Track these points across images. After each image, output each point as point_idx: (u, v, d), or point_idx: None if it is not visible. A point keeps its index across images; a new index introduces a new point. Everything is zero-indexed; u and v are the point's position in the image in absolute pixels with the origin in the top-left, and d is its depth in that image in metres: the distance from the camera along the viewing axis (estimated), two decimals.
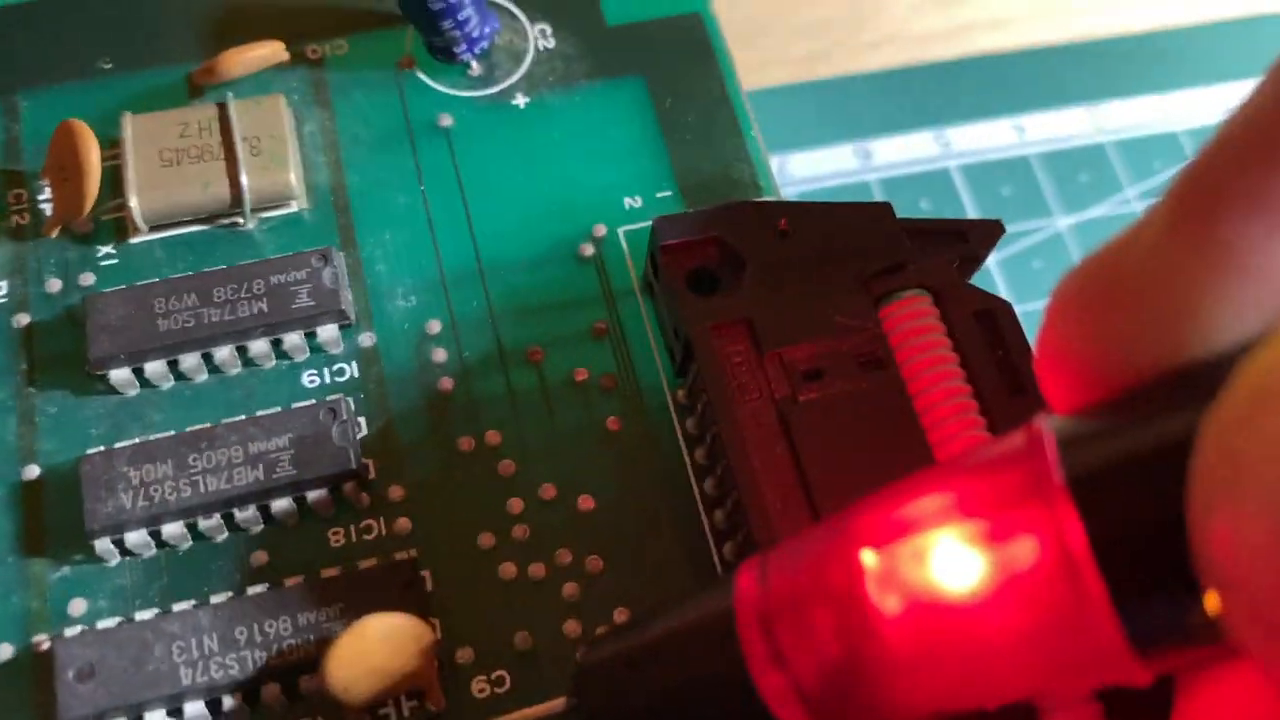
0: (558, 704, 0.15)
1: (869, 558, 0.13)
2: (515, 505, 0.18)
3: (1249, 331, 0.11)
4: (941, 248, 0.19)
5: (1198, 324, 0.11)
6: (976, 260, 0.19)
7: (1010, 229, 0.26)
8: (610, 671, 0.15)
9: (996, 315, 0.18)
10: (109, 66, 0.22)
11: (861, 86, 0.30)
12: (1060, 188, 0.28)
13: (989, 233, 0.19)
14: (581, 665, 0.15)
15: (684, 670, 0.14)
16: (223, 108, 0.20)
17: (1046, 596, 0.12)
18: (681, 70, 0.22)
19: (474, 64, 0.22)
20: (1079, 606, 0.11)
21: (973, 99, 0.30)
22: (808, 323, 0.18)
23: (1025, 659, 0.13)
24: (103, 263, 0.20)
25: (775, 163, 0.29)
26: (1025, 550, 0.12)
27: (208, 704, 0.17)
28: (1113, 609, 0.11)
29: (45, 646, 0.17)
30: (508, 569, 0.18)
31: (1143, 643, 0.11)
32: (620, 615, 0.18)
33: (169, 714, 0.16)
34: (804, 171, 0.28)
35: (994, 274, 0.28)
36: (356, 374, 0.19)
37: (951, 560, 0.12)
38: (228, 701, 0.17)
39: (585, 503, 0.18)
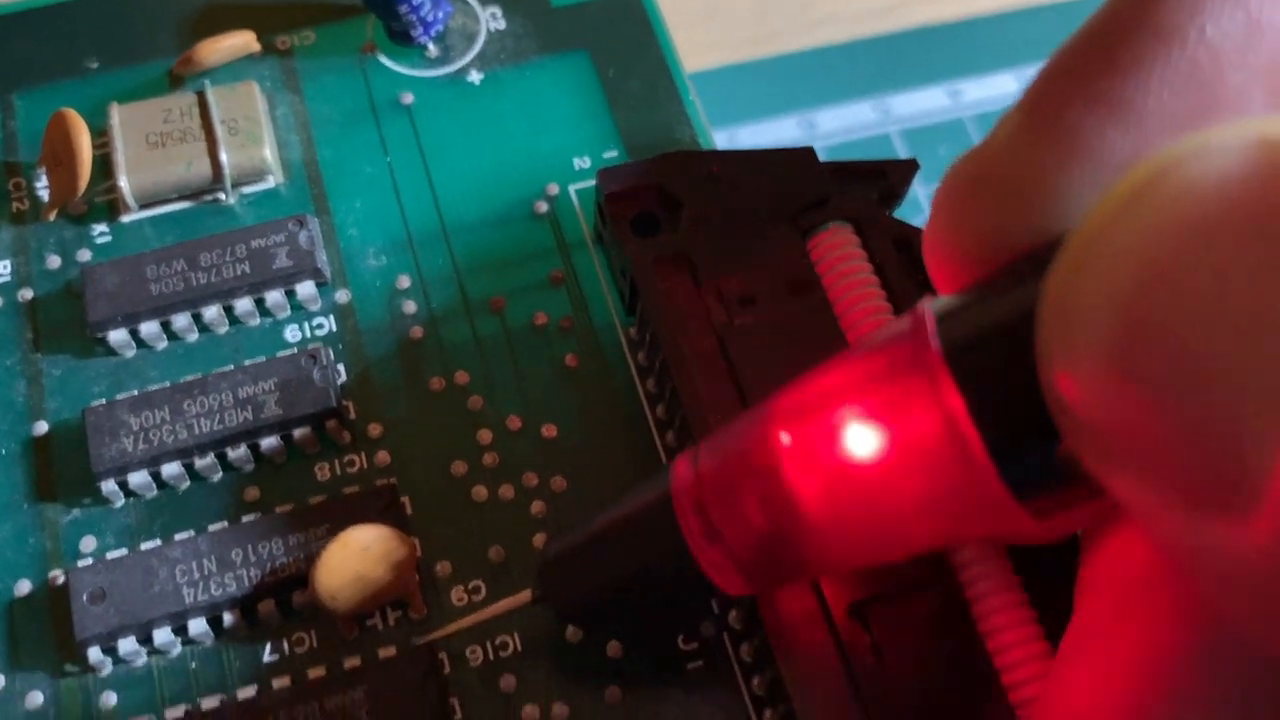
0: (524, 596, 0.17)
1: (785, 438, 0.15)
2: (485, 436, 0.20)
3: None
4: (863, 185, 0.21)
5: (1050, 205, 0.13)
6: (896, 195, 0.21)
7: None
8: (569, 561, 0.17)
9: (914, 242, 0.20)
10: (95, 66, 0.24)
11: (805, 62, 0.32)
12: None
13: (906, 170, 0.21)
14: (543, 558, 0.17)
15: (633, 552, 0.16)
16: (201, 95, 0.22)
17: (938, 458, 0.13)
18: (623, 43, 0.24)
19: (430, 46, 0.24)
20: (965, 464, 0.13)
21: (910, 69, 0.32)
22: (741, 255, 0.20)
23: (927, 516, 0.14)
24: (98, 240, 0.22)
25: (725, 135, 0.30)
26: (916, 418, 0.14)
27: (209, 620, 0.18)
28: (991, 463, 0.13)
29: (60, 580, 0.19)
30: (479, 492, 0.19)
31: (1022, 491, 0.13)
32: None
33: (174, 631, 0.18)
34: (751, 142, 0.30)
35: (926, 208, 0.29)
36: (334, 327, 0.21)
37: (855, 434, 0.14)
38: (227, 618, 0.18)
39: (549, 431, 0.20)
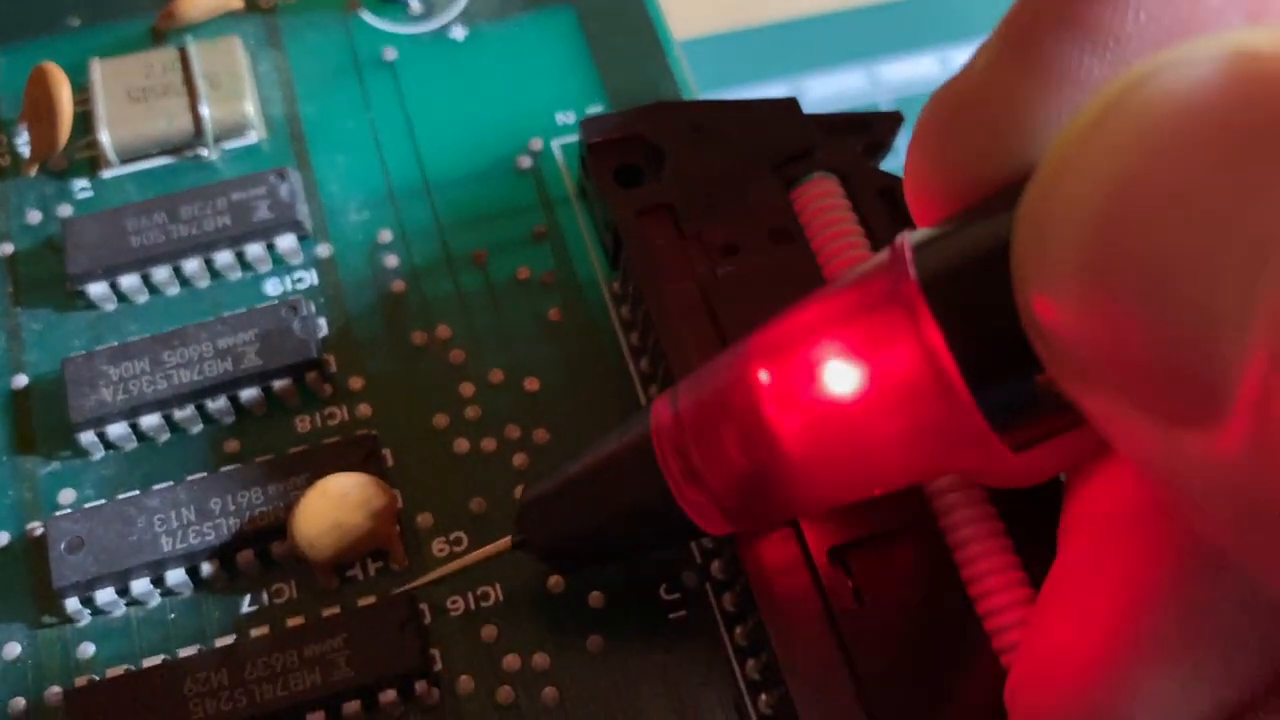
0: (504, 543, 0.17)
1: (764, 375, 0.15)
2: (467, 389, 0.20)
3: None
4: (847, 136, 0.20)
5: (1029, 132, 0.13)
6: (882, 146, 0.21)
7: None
8: (548, 504, 0.17)
9: (898, 193, 0.20)
10: (77, 23, 0.23)
11: (795, 29, 0.32)
12: None
13: (890, 122, 0.21)
14: (522, 502, 0.17)
15: (613, 494, 0.16)
16: (183, 50, 0.22)
17: (918, 391, 0.13)
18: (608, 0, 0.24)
19: (414, 2, 0.23)
20: (944, 396, 0.13)
21: (900, 36, 0.32)
22: (724, 206, 0.19)
23: (907, 450, 0.14)
24: (79, 195, 0.22)
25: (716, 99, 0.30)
26: (895, 350, 0.13)
27: (188, 570, 0.18)
28: (970, 394, 0.13)
29: (39, 532, 0.19)
30: (461, 444, 0.19)
31: (1001, 422, 0.13)
32: None
33: (153, 581, 0.18)
34: None
35: None
36: (316, 281, 0.21)
37: (834, 370, 0.14)
38: (206, 567, 0.18)
39: (531, 384, 0.20)
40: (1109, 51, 0.13)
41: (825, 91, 0.31)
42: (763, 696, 0.17)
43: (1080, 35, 0.13)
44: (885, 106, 0.31)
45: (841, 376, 0.14)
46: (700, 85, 0.28)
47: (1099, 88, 0.13)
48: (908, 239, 0.14)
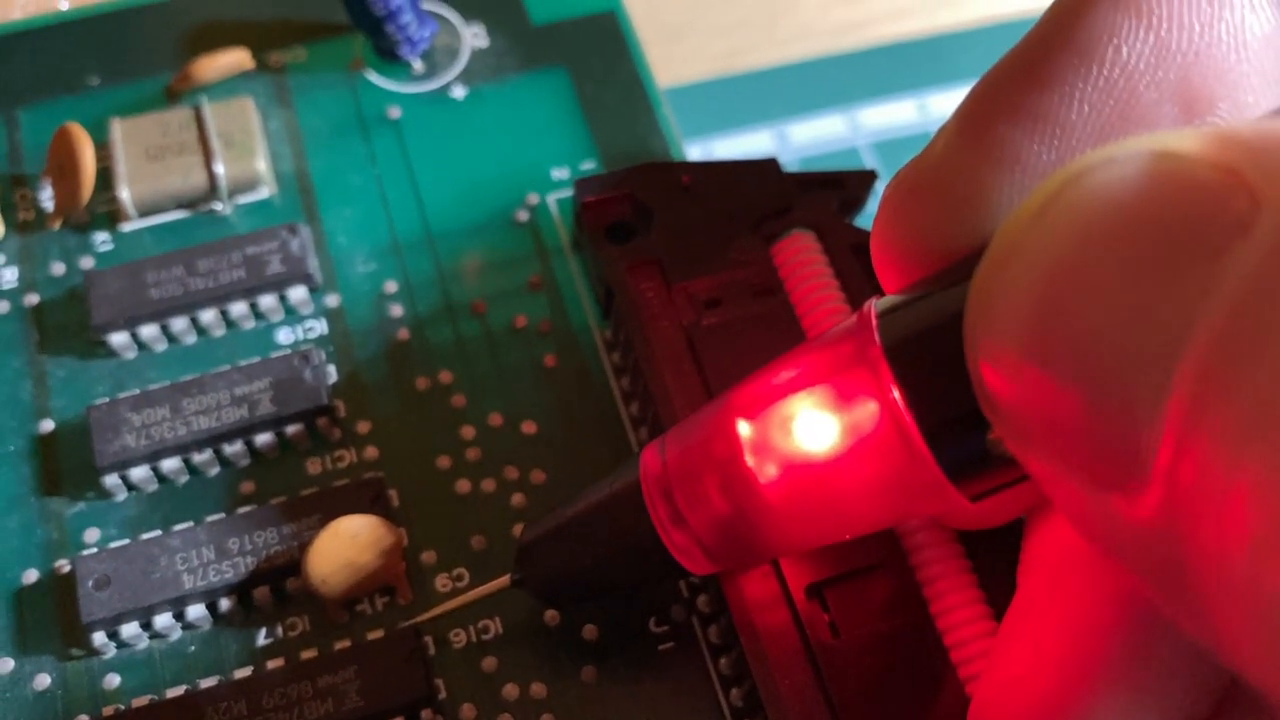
0: (503, 581, 0.18)
1: (744, 428, 0.16)
2: (468, 432, 0.21)
3: None
4: (823, 194, 0.22)
5: (981, 209, 0.14)
6: (857, 202, 0.22)
7: None
8: (545, 545, 0.18)
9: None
10: (96, 82, 0.25)
11: (777, 77, 0.33)
12: None
13: (864, 180, 0.22)
14: (521, 543, 0.18)
15: (605, 536, 0.17)
16: (198, 110, 0.23)
17: (882, 444, 0.15)
18: (600, 60, 0.25)
19: (416, 63, 0.25)
20: (906, 450, 0.14)
21: (879, 82, 0.33)
22: (709, 260, 0.21)
23: (875, 497, 0.15)
24: (100, 248, 0.23)
25: (700, 147, 0.32)
26: (861, 408, 0.15)
27: (207, 606, 0.19)
28: (928, 449, 0.14)
29: (66, 569, 0.20)
30: (463, 485, 0.21)
31: (957, 474, 0.14)
32: None
33: (174, 616, 0.19)
34: (726, 154, 0.31)
35: None
36: (325, 330, 0.22)
37: (808, 423, 0.15)
38: (224, 603, 0.19)
39: (528, 427, 0.21)
40: (1055, 139, 0.14)
41: (807, 136, 0.32)
42: None
43: (1029, 124, 0.14)
44: (865, 150, 0.32)
45: (814, 430, 0.15)
46: (686, 131, 0.29)
47: (1045, 172, 0.14)
48: (874, 306, 0.15)
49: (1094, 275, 0.11)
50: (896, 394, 0.14)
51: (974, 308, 0.13)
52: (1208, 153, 0.11)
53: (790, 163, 0.32)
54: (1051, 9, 0.14)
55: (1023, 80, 0.14)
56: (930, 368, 0.14)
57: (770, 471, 0.16)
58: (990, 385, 0.12)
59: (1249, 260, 0.10)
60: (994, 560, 0.18)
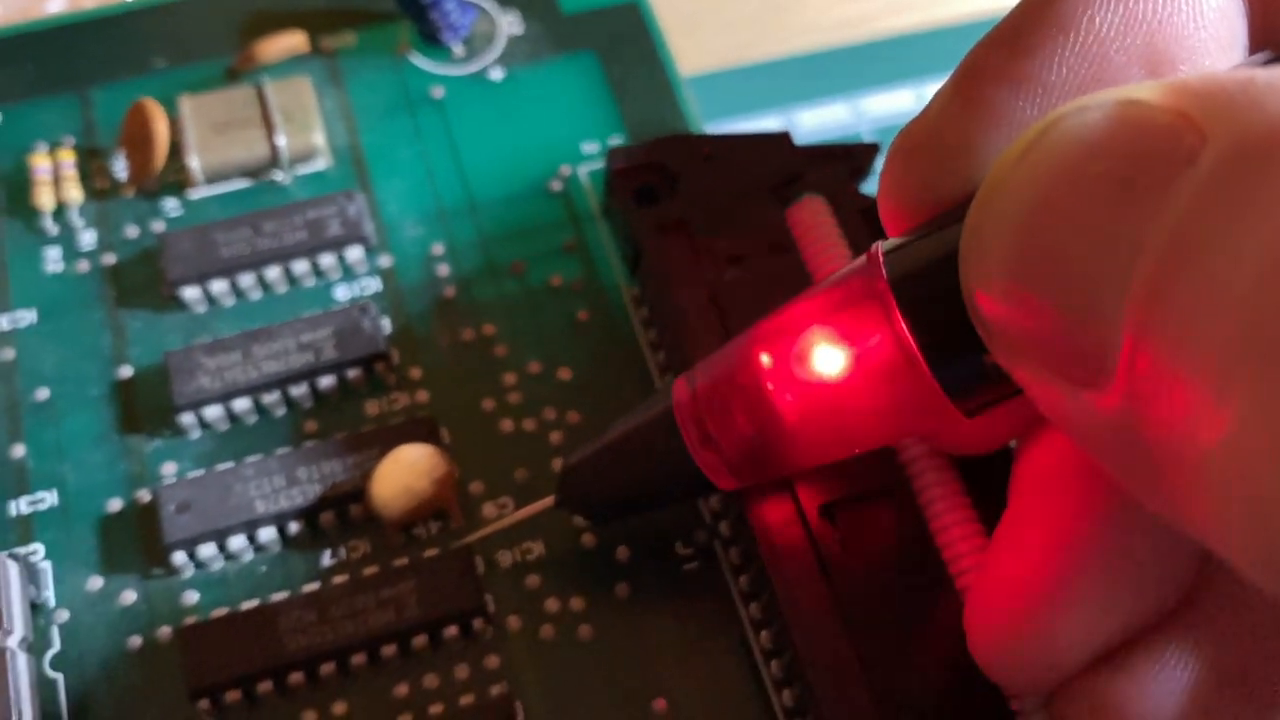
0: (548, 501, 0.20)
1: (765, 359, 0.18)
2: (509, 379, 0.23)
3: None
4: (833, 163, 0.24)
5: (973, 161, 0.16)
6: (862, 171, 0.24)
7: None
8: (587, 466, 0.20)
9: (875, 211, 0.23)
10: (162, 65, 0.27)
11: (786, 68, 0.35)
12: None
13: (868, 152, 0.24)
14: (563, 468, 0.20)
15: (641, 458, 0.19)
16: (259, 88, 0.25)
17: (889, 368, 0.17)
18: (625, 46, 0.27)
19: (457, 47, 0.27)
20: (911, 373, 0.16)
21: (880, 73, 0.35)
22: (729, 222, 0.23)
23: (882, 417, 0.17)
24: (170, 214, 0.25)
25: (717, 130, 0.34)
26: (871, 336, 0.17)
27: (278, 529, 0.21)
28: (930, 370, 0.16)
29: (146, 499, 0.22)
30: (506, 424, 0.23)
31: (956, 393, 0.16)
32: None
33: (248, 538, 0.21)
34: None
35: None
36: (380, 288, 0.24)
37: (823, 353, 0.17)
38: (293, 527, 0.21)
39: (564, 374, 0.23)
40: (1037, 98, 0.16)
41: (814, 122, 0.34)
42: (764, 632, 0.21)
43: (1014, 85, 0.16)
44: (867, 135, 0.34)
45: (828, 358, 0.17)
46: (705, 116, 0.31)
47: (1027, 126, 0.16)
48: (880, 247, 0.17)
49: (1066, 204, 0.13)
50: (902, 322, 0.16)
51: (966, 242, 0.15)
52: (1165, 99, 0.13)
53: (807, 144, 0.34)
54: None
55: (1009, 47, 0.16)
56: (931, 298, 0.16)
57: (789, 397, 0.18)
58: (982, 308, 0.14)
59: (1193, 185, 0.12)
60: (988, 483, 0.20)
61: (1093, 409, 0.13)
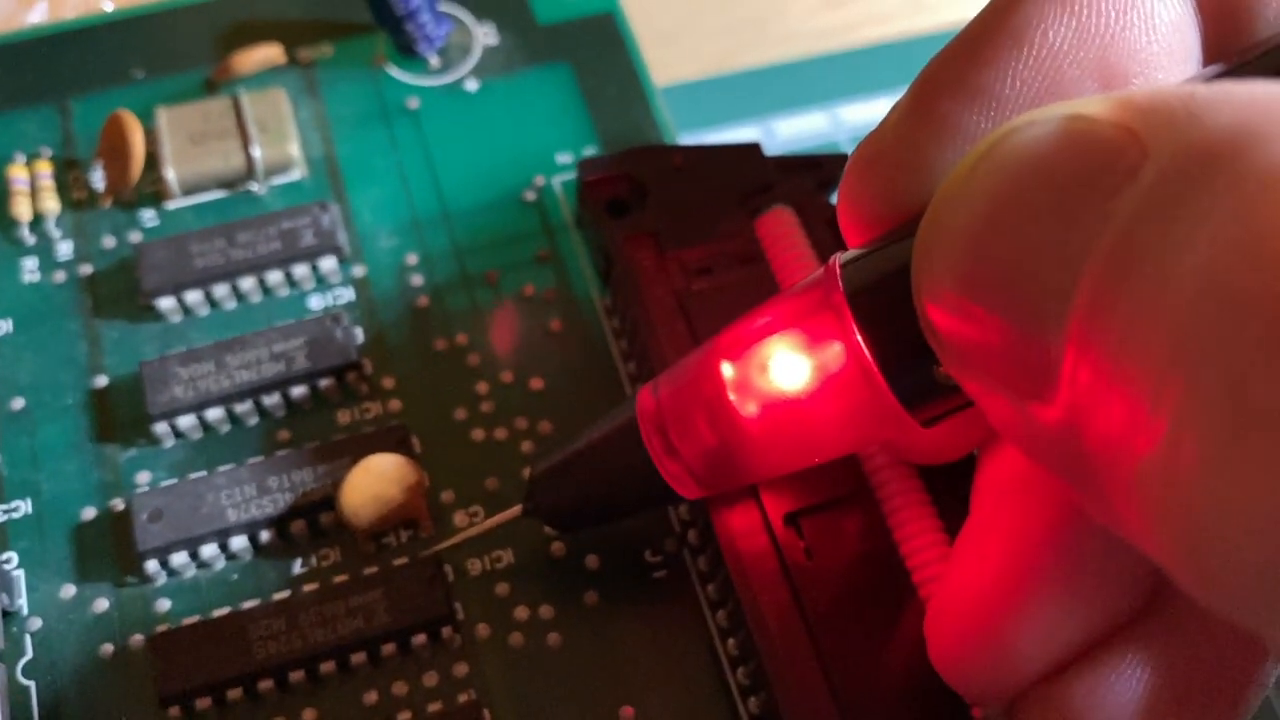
0: (515, 510, 0.21)
1: (727, 369, 0.18)
2: (482, 387, 0.23)
3: None
4: (802, 174, 0.24)
5: (928, 174, 0.17)
6: (831, 182, 0.24)
7: None
8: (553, 475, 0.20)
9: None
10: (141, 76, 0.27)
11: (765, 76, 0.35)
12: None
13: (837, 162, 0.25)
14: (531, 474, 0.20)
15: (607, 467, 0.20)
16: (236, 99, 0.26)
17: (846, 379, 0.17)
18: (600, 57, 0.28)
19: (433, 58, 0.27)
20: (867, 383, 0.16)
21: (858, 82, 0.36)
22: (698, 232, 0.23)
23: (841, 426, 0.18)
24: (146, 224, 0.25)
25: (693, 140, 0.34)
26: (828, 345, 0.17)
27: (249, 538, 0.21)
28: (885, 381, 0.16)
29: (120, 507, 0.22)
30: (477, 433, 0.23)
31: (910, 403, 0.16)
32: None
33: (219, 547, 0.21)
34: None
35: None
36: (353, 297, 0.24)
37: (782, 362, 0.18)
38: (264, 535, 0.22)
39: (536, 383, 0.23)
40: (991, 111, 0.16)
41: (791, 132, 0.34)
42: (730, 640, 0.21)
43: (969, 98, 0.16)
44: (845, 144, 0.35)
45: (787, 367, 0.17)
46: (679, 126, 0.32)
47: (980, 139, 0.16)
48: (838, 259, 0.17)
49: (1013, 219, 0.13)
50: (857, 334, 0.16)
51: (918, 254, 0.15)
52: (1110, 114, 0.13)
53: (776, 155, 0.34)
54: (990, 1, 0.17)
55: (964, 61, 0.16)
56: (885, 310, 0.16)
57: (750, 406, 0.18)
58: (933, 320, 0.15)
59: (1133, 200, 0.12)
60: (950, 492, 0.21)
61: (1038, 421, 0.13)
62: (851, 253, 0.17)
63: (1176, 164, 0.12)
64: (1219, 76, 0.15)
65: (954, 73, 0.16)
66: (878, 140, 0.17)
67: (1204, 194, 0.11)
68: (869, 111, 0.35)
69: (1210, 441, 0.11)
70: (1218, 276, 0.11)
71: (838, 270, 0.17)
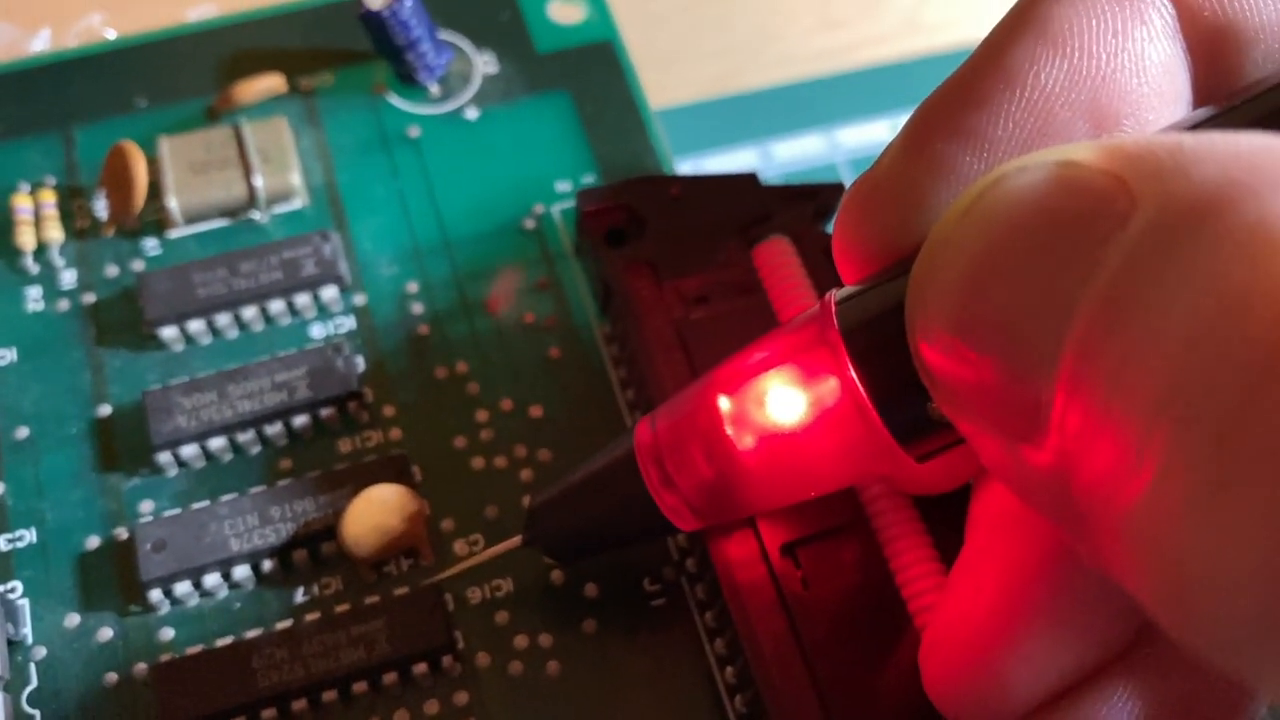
0: (515, 541, 0.21)
1: (724, 402, 0.18)
2: (482, 415, 0.24)
3: None
4: (798, 204, 0.24)
5: (921, 213, 0.17)
6: (828, 211, 0.25)
7: None
8: (552, 507, 0.20)
9: None
10: (144, 104, 0.27)
11: (762, 99, 0.36)
12: None
13: (834, 192, 0.25)
14: (531, 506, 0.21)
15: (605, 499, 0.20)
16: (237, 128, 0.26)
17: (841, 414, 0.17)
18: (598, 85, 0.28)
19: (433, 87, 0.27)
20: (861, 418, 0.17)
21: (855, 105, 0.36)
22: (696, 262, 0.23)
23: (836, 460, 0.18)
24: (149, 253, 0.25)
25: (691, 164, 0.34)
26: (823, 381, 0.17)
27: (252, 567, 0.22)
28: (879, 416, 0.16)
29: (124, 536, 0.22)
30: (478, 462, 0.23)
31: (904, 438, 0.16)
32: None
33: (222, 576, 0.22)
34: (715, 170, 0.34)
35: None
36: (354, 326, 0.25)
37: (778, 397, 0.18)
38: (266, 565, 0.22)
39: (536, 411, 0.24)
40: (984, 152, 0.16)
41: (789, 154, 0.35)
42: (728, 668, 0.21)
43: (962, 139, 0.17)
44: (843, 167, 0.35)
45: (783, 403, 0.18)
46: (677, 150, 0.32)
47: (974, 180, 0.17)
48: (834, 296, 0.17)
49: (1005, 263, 0.14)
50: (852, 370, 0.16)
51: (911, 294, 0.15)
52: (1100, 161, 0.13)
53: (773, 178, 0.34)
54: (983, 42, 0.17)
55: (957, 102, 0.17)
56: (880, 347, 0.16)
57: (747, 440, 0.18)
58: (926, 359, 0.15)
59: (1123, 248, 0.12)
60: (946, 522, 0.21)
61: (1028, 463, 0.14)
62: (847, 289, 0.17)
63: (1163, 217, 0.12)
64: (1208, 120, 0.15)
65: (947, 114, 0.17)
66: (873, 178, 0.18)
67: (1188, 248, 0.12)
68: (866, 134, 0.35)
69: (1196, 490, 0.11)
70: (1203, 329, 0.11)
71: (833, 307, 0.17)
